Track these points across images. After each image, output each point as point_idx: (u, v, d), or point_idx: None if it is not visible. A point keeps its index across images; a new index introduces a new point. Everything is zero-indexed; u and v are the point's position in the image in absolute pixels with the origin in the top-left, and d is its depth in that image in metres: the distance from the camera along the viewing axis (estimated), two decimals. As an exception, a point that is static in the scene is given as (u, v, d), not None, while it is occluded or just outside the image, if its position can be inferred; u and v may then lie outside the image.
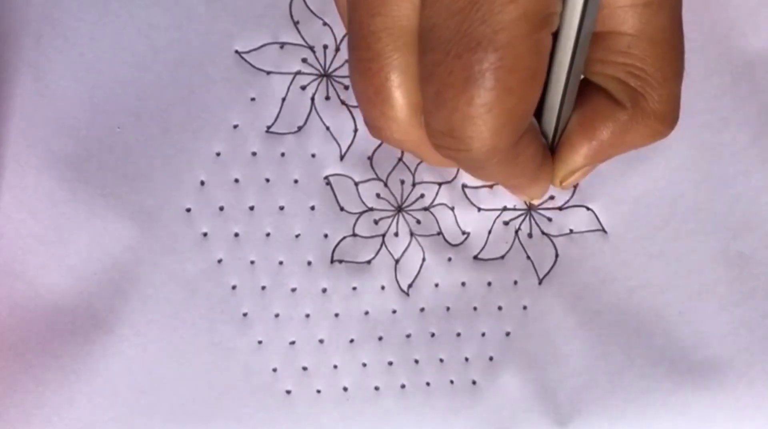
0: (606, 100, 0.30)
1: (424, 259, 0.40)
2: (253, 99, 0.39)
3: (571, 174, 0.32)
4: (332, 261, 0.40)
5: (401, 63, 0.27)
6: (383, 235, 0.40)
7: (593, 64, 0.29)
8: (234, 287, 0.39)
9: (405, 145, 0.30)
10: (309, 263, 0.39)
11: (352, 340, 0.40)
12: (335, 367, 0.40)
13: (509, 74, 0.25)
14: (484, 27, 0.24)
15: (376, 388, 0.40)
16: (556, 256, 0.41)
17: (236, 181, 0.39)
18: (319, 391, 0.39)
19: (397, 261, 0.40)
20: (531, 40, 0.25)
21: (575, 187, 0.41)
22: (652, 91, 0.29)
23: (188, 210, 0.39)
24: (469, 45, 0.24)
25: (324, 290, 0.40)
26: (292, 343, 0.39)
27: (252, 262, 0.39)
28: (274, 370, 0.39)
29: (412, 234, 0.40)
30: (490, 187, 0.40)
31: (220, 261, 0.39)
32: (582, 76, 0.31)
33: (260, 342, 0.39)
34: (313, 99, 0.39)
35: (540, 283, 0.41)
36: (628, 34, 0.28)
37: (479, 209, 0.41)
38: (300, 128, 0.39)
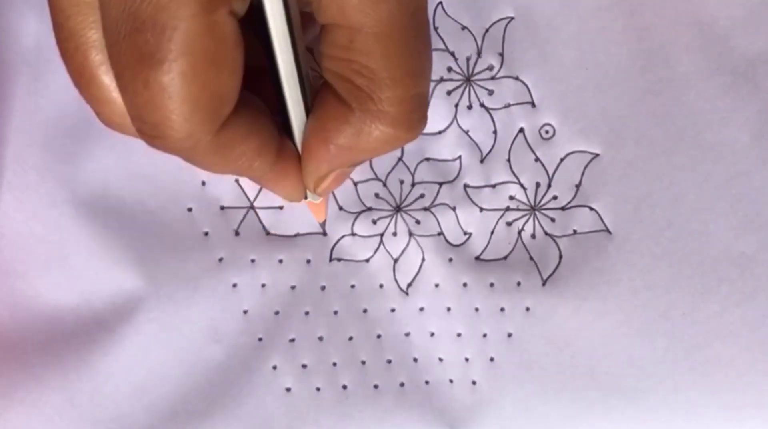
0: (336, 101, 0.27)
1: (423, 259, 0.40)
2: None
3: (321, 180, 0.30)
4: (331, 259, 0.40)
5: (99, 40, 0.25)
6: (381, 235, 0.40)
7: (323, 60, 0.27)
8: (234, 285, 0.39)
9: (129, 129, 0.27)
10: (308, 261, 0.40)
11: (351, 338, 0.40)
12: (334, 364, 0.40)
13: (182, 57, 0.23)
14: (146, 5, 0.23)
15: (375, 387, 0.40)
16: (560, 256, 0.41)
17: (236, 181, 0.39)
18: (318, 389, 0.39)
19: (395, 260, 0.40)
20: (201, 23, 0.23)
21: (577, 186, 0.41)
22: (379, 92, 0.26)
23: (189, 209, 0.39)
24: (135, 25, 0.23)
25: (323, 288, 0.40)
26: (292, 340, 0.39)
27: (252, 261, 0.39)
28: (274, 367, 0.39)
29: (410, 234, 0.40)
30: (493, 186, 0.40)
31: (221, 259, 0.39)
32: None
33: (260, 339, 0.39)
34: (313, 100, 0.39)
35: (544, 284, 0.41)
36: (349, 26, 0.25)
37: (481, 209, 0.40)
38: (300, 129, 0.39)
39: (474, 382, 0.40)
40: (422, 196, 0.40)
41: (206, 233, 0.39)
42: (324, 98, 0.28)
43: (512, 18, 0.40)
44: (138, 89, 0.24)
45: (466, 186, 0.40)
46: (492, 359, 0.40)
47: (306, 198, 0.31)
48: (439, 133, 0.40)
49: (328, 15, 0.25)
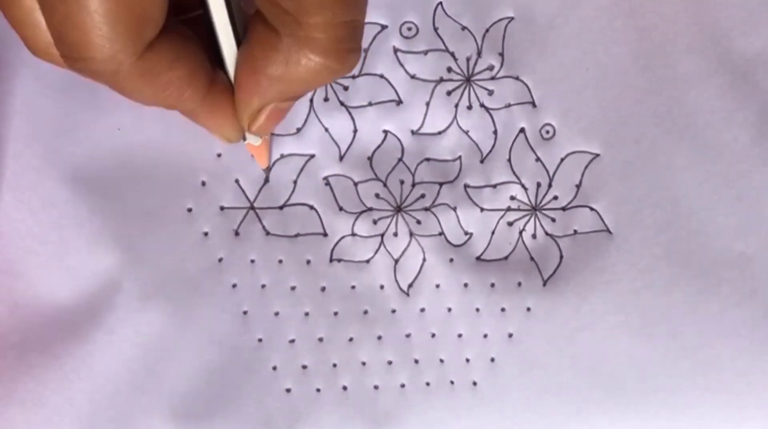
0: (265, 28, 0.26)
1: (424, 260, 0.40)
2: (253, 101, 0.39)
3: (255, 115, 0.29)
4: (331, 260, 0.40)
5: None
6: (382, 235, 0.40)
7: None
8: (234, 286, 0.39)
9: (56, 57, 0.26)
10: (308, 262, 0.39)
11: (351, 339, 0.40)
12: (334, 365, 0.40)
13: None
14: None
15: (376, 387, 0.40)
16: (561, 257, 0.41)
17: (237, 181, 0.39)
18: (318, 390, 0.39)
19: (396, 261, 0.40)
20: None
21: (577, 186, 0.41)
22: (307, 17, 0.25)
23: (189, 210, 0.39)
24: None
25: (323, 289, 0.40)
26: (292, 341, 0.39)
27: (252, 261, 0.39)
28: (274, 368, 0.39)
29: (411, 234, 0.40)
30: (494, 186, 0.40)
31: (220, 260, 0.39)
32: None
33: (260, 340, 0.39)
34: (311, 100, 0.39)
35: (545, 284, 0.41)
36: None
37: (482, 209, 0.40)
38: (299, 130, 0.39)
39: (475, 383, 0.40)
40: (423, 196, 0.40)
41: (206, 233, 0.39)
42: (254, 26, 0.27)
43: (512, 18, 0.40)
44: (56, 4, 0.23)
45: (466, 186, 0.40)
46: (493, 360, 0.40)
47: (245, 139, 0.31)
48: (440, 133, 0.40)
49: None
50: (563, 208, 0.41)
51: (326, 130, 0.39)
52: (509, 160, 0.40)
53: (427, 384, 0.40)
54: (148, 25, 0.24)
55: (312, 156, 0.39)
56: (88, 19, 0.23)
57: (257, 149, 0.32)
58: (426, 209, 0.40)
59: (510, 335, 0.41)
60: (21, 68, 0.38)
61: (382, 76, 0.39)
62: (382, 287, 0.40)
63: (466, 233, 0.40)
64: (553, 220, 0.41)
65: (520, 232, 0.41)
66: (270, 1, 0.25)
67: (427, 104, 0.40)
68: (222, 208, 0.39)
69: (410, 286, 0.40)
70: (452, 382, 0.40)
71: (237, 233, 0.39)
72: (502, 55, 0.40)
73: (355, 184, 0.40)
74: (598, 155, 0.41)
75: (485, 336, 0.40)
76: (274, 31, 0.26)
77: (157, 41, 0.25)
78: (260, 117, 0.29)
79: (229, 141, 0.30)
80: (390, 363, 0.40)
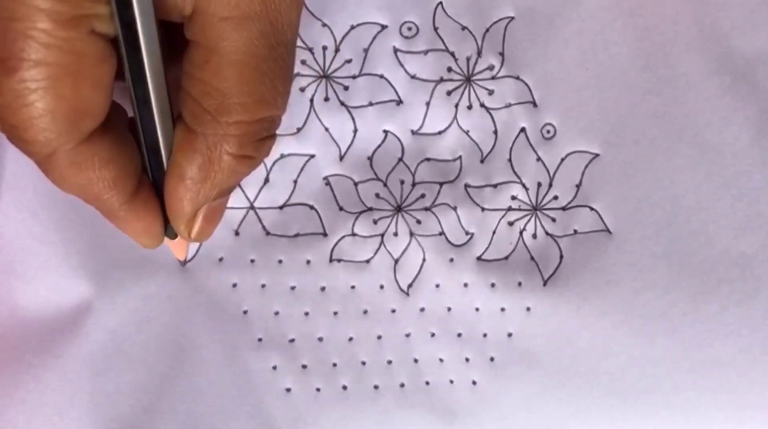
0: (187, 132, 0.27)
1: (424, 260, 0.40)
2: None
3: (192, 220, 0.30)
4: (331, 260, 0.40)
5: None
6: (382, 235, 0.40)
7: (183, 80, 0.27)
8: (234, 285, 0.39)
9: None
10: (308, 262, 0.39)
11: (351, 339, 0.40)
12: (334, 365, 0.40)
13: (35, 68, 0.24)
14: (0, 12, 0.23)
15: (376, 387, 0.40)
16: (561, 257, 0.41)
17: (236, 181, 0.39)
18: (318, 390, 0.39)
19: (396, 261, 0.40)
20: (56, 37, 0.23)
21: (577, 186, 0.41)
22: (227, 116, 0.26)
23: (189, 210, 0.39)
24: None
25: (323, 288, 0.40)
26: (292, 340, 0.39)
27: (252, 261, 0.39)
28: (274, 367, 0.39)
29: (411, 234, 0.40)
30: (494, 186, 0.40)
31: (221, 259, 0.39)
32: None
33: (260, 340, 0.39)
34: (312, 100, 0.39)
35: (545, 284, 0.41)
36: (207, 46, 0.26)
37: (483, 209, 0.40)
38: (299, 130, 0.39)
39: (474, 383, 0.40)
40: (423, 196, 0.40)
41: (206, 233, 0.39)
42: (177, 133, 0.28)
43: (513, 18, 0.40)
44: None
45: (467, 186, 0.40)
46: (492, 359, 0.40)
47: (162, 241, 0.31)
48: (440, 133, 0.40)
49: (192, 31, 0.26)
50: (563, 208, 0.41)
51: (326, 129, 0.39)
52: (510, 159, 0.40)
53: (427, 383, 0.40)
54: (86, 119, 0.25)
55: (312, 156, 0.39)
56: (25, 109, 0.24)
57: (176, 243, 0.33)
58: (426, 209, 0.40)
59: (510, 335, 0.41)
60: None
61: (382, 76, 0.39)
62: (382, 287, 0.40)
63: (467, 233, 0.40)
64: (554, 219, 0.41)
65: (521, 232, 0.41)
66: (193, 99, 0.26)
67: (428, 104, 0.40)
68: (222, 208, 0.39)
69: (410, 285, 0.40)
70: (452, 382, 0.40)
71: (237, 233, 0.39)
72: (503, 55, 0.40)
73: (356, 184, 0.40)
74: (598, 155, 0.41)
75: (485, 335, 0.40)
76: (193, 133, 0.27)
77: (97, 136, 0.26)
78: (197, 221, 0.30)
79: (145, 247, 0.31)
80: (390, 362, 0.40)
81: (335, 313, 0.40)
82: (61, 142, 0.25)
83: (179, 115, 0.28)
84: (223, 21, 0.25)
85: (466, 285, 0.40)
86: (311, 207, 0.39)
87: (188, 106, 0.27)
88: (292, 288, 0.39)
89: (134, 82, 0.27)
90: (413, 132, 0.40)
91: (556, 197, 0.41)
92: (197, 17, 0.25)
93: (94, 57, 0.25)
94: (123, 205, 0.28)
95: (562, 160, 0.41)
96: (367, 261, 0.40)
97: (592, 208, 0.41)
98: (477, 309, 0.40)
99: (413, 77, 0.40)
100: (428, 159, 0.40)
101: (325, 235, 0.40)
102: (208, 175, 0.28)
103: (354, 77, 0.39)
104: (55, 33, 0.23)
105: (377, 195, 0.40)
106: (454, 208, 0.40)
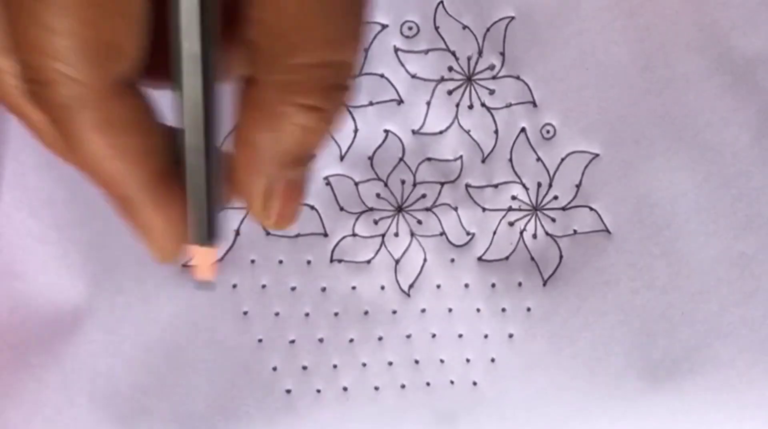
0: (248, 89, 0.23)
1: (425, 260, 0.40)
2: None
3: (269, 198, 0.24)
4: (331, 260, 0.40)
5: None
6: (383, 236, 0.40)
7: (237, 25, 0.23)
8: (234, 286, 0.39)
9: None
10: (308, 262, 0.39)
11: (351, 340, 0.40)
12: (335, 366, 0.40)
13: None
14: None
15: (376, 388, 0.40)
16: (561, 257, 0.41)
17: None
18: (319, 391, 0.39)
19: (397, 261, 0.40)
20: None
21: (577, 186, 0.41)
22: (288, 56, 0.22)
23: (189, 210, 0.39)
24: None
25: (323, 289, 0.40)
26: (292, 341, 0.39)
27: (252, 261, 0.39)
28: (274, 369, 0.39)
29: (412, 234, 0.40)
30: (495, 186, 0.40)
31: (221, 259, 0.39)
32: None
33: (260, 340, 0.39)
34: (312, 100, 0.39)
35: (545, 284, 0.41)
36: None
37: (483, 209, 0.40)
38: (300, 129, 0.39)
39: (475, 383, 0.40)
40: (424, 196, 0.40)
41: (206, 233, 0.39)
42: (235, 94, 0.24)
43: (513, 17, 0.40)
44: (19, 26, 0.22)
45: (467, 186, 0.40)
46: (493, 360, 0.40)
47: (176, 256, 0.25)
48: (440, 132, 0.40)
49: None
50: (563, 208, 0.41)
51: (326, 129, 0.39)
52: (510, 159, 0.40)
53: (428, 384, 0.40)
54: (119, 56, 0.22)
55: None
56: (50, 42, 0.21)
57: (203, 255, 0.25)
58: (427, 209, 0.40)
59: (510, 335, 0.41)
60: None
61: (382, 76, 0.39)
62: (382, 288, 0.40)
63: (467, 233, 0.40)
64: (554, 220, 0.41)
65: (521, 232, 0.41)
66: (249, 43, 0.23)
67: (428, 104, 0.40)
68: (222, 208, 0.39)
69: (411, 286, 0.40)
70: (452, 383, 0.40)
71: (237, 233, 0.39)
72: (503, 55, 0.40)
73: (356, 184, 0.40)
74: (598, 155, 0.41)
75: (486, 336, 0.40)
76: (253, 85, 0.23)
77: (129, 94, 0.23)
78: (274, 197, 0.25)
79: (159, 257, 0.25)
80: (390, 363, 0.40)
81: (336, 314, 0.40)
82: (91, 79, 0.22)
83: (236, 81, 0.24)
84: None
85: (466, 285, 0.40)
86: (312, 207, 0.39)
87: (244, 53, 0.23)
88: (293, 288, 0.39)
89: (177, 23, 0.22)
90: (414, 132, 0.40)
91: (556, 197, 0.41)
92: None
93: None
94: (144, 186, 0.23)
95: (562, 160, 0.41)
96: (368, 261, 0.40)
97: (591, 208, 0.41)
98: (478, 310, 0.40)
99: (414, 77, 0.40)
100: (429, 159, 0.40)
101: (325, 235, 0.39)
102: (276, 134, 0.23)
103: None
104: None
105: (378, 195, 0.40)
106: (455, 209, 0.40)
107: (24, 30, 0.22)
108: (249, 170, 0.24)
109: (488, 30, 0.40)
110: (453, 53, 0.40)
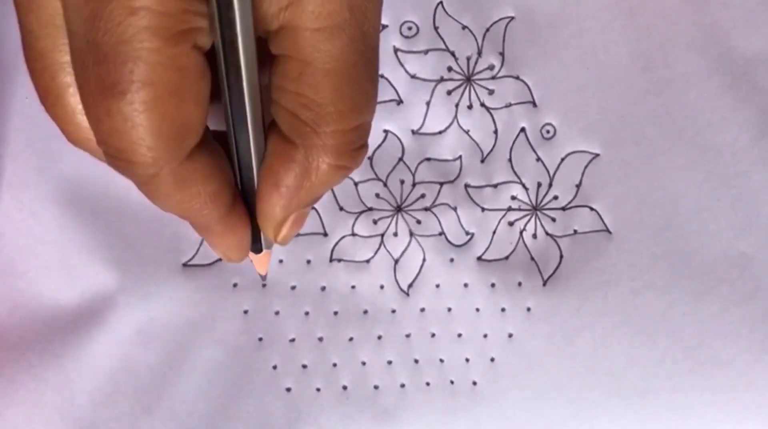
0: (282, 141, 0.27)
1: (424, 260, 0.40)
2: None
3: (280, 226, 0.30)
4: (331, 260, 0.40)
5: (67, 63, 0.26)
6: (382, 235, 0.40)
7: (274, 93, 0.27)
8: (235, 285, 0.39)
9: (95, 150, 0.27)
10: (308, 262, 0.39)
11: (351, 339, 0.40)
12: (335, 365, 0.40)
13: (144, 89, 0.23)
14: (108, 38, 0.23)
15: (376, 387, 0.40)
16: (561, 257, 0.41)
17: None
18: (318, 389, 0.39)
19: (396, 261, 0.40)
20: (163, 55, 0.23)
21: (577, 186, 0.41)
22: (325, 126, 0.26)
23: (189, 210, 0.39)
24: (98, 56, 0.23)
25: (323, 288, 0.40)
26: (292, 340, 0.39)
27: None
28: (274, 367, 0.39)
29: (411, 234, 0.40)
30: (494, 186, 0.40)
31: (221, 259, 0.39)
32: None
33: (260, 339, 0.39)
34: (312, 99, 0.39)
35: (544, 284, 0.41)
36: (300, 59, 0.25)
37: (483, 209, 0.40)
38: (300, 129, 0.39)
39: (474, 383, 0.40)
40: (423, 196, 0.40)
41: (206, 233, 0.39)
42: (271, 142, 0.28)
43: (513, 17, 0.40)
44: (101, 117, 0.24)
45: (467, 186, 0.40)
46: (493, 360, 0.40)
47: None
48: (440, 132, 0.40)
49: (282, 46, 0.26)
50: (563, 208, 0.41)
51: (326, 129, 0.39)
52: (510, 159, 0.40)
53: (427, 384, 0.40)
54: (189, 135, 0.25)
55: (312, 156, 0.39)
56: (133, 131, 0.24)
57: (259, 257, 0.33)
58: (426, 209, 0.40)
59: (510, 335, 0.40)
60: (21, 68, 0.38)
61: (382, 76, 0.39)
62: (382, 287, 0.40)
63: (467, 233, 0.40)
64: (554, 219, 0.41)
65: (521, 232, 0.41)
66: (289, 111, 0.26)
67: (428, 104, 0.40)
68: (222, 208, 0.39)
69: (410, 286, 0.40)
70: (452, 382, 0.40)
71: (237, 233, 0.39)
72: (503, 55, 0.40)
73: (356, 184, 0.40)
74: (598, 155, 0.41)
75: (485, 336, 0.40)
76: (291, 143, 0.27)
77: (197, 152, 0.26)
78: (285, 226, 0.29)
79: (230, 260, 0.31)
80: (390, 363, 0.40)
81: (335, 313, 0.40)
82: (168, 161, 0.25)
83: (270, 125, 0.28)
84: (315, 33, 0.25)
85: (466, 285, 0.40)
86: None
87: (284, 118, 0.27)
88: (293, 288, 0.39)
89: (231, 96, 0.26)
90: (413, 132, 0.40)
91: (556, 197, 0.41)
92: (287, 32, 0.25)
93: (196, 72, 0.24)
94: (219, 219, 0.28)
95: (562, 160, 0.41)
96: (367, 261, 0.40)
97: (592, 208, 0.41)
98: (477, 309, 0.40)
99: (413, 77, 0.40)
100: (428, 159, 0.40)
101: (325, 234, 0.40)
102: (304, 184, 0.28)
103: (354, 77, 0.39)
104: (163, 51, 0.23)
105: (377, 195, 0.40)
106: (454, 208, 0.40)
107: (103, 119, 0.24)
108: (272, 204, 0.28)
109: (488, 30, 0.40)
110: (452, 53, 0.40)
